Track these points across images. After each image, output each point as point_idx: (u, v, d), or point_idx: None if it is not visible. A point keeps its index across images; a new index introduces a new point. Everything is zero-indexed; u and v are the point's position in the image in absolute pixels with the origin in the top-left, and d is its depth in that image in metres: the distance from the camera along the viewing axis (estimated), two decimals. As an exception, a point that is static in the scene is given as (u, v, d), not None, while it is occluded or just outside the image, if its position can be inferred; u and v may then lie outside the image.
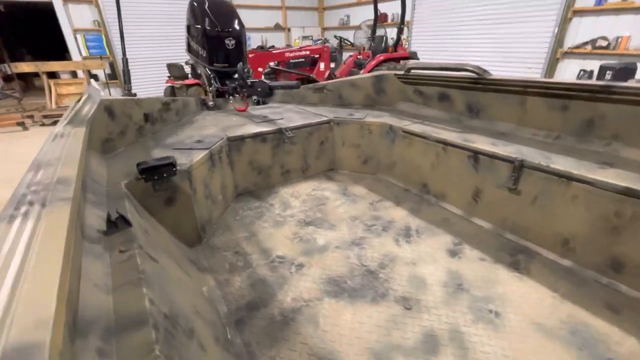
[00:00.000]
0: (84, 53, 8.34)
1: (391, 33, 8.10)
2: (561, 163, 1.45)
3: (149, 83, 8.98)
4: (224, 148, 1.98)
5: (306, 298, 1.32)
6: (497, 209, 1.70)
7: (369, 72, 6.94)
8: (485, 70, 1.95)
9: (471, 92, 2.11)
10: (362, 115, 2.45)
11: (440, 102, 2.34)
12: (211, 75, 2.86)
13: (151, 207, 1.46)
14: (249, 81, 2.47)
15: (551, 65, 7.09)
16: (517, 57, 7.52)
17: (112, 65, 8.72)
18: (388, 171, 2.36)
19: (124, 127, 1.83)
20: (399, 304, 1.28)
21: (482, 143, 1.75)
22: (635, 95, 1.42)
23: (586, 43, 6.60)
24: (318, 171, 2.48)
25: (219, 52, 2.76)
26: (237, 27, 2.80)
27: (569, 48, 6.80)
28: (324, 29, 12.68)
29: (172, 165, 1.45)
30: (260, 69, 6.18)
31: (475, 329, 1.17)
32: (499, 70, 7.22)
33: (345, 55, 7.91)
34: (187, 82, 7.92)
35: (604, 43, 6.35)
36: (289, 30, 11.76)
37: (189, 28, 2.86)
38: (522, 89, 1.80)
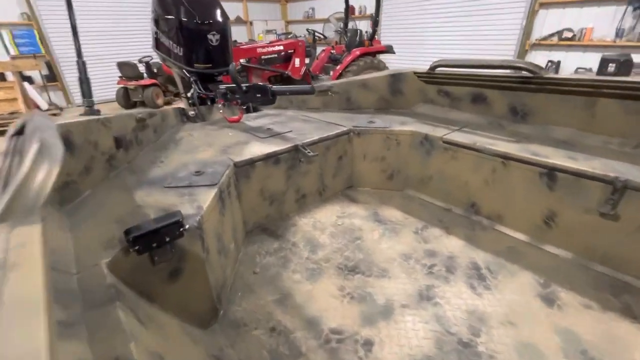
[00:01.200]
0: (13, 52, 7.09)
1: (359, 26, 7.79)
2: None
3: (96, 85, 7.86)
4: (232, 178, 1.50)
5: (399, 404, 0.93)
6: (581, 236, 1.42)
7: (346, 67, 6.59)
8: (541, 68, 1.65)
9: (516, 92, 1.81)
10: (382, 121, 2.07)
11: (474, 105, 2.03)
12: (191, 79, 2.30)
13: (148, 287, 0.97)
14: (244, 85, 1.97)
15: (520, 57, 7.21)
16: (486, 49, 7.58)
17: (49, 65, 7.53)
18: (420, 187, 2.01)
19: (88, 161, 1.29)
20: None
21: (557, 157, 1.44)
22: None
23: (552, 35, 6.75)
24: (336, 191, 2.07)
25: (200, 50, 2.22)
26: (219, 18, 2.27)
27: (536, 40, 6.93)
28: (288, 22, 12.09)
29: (179, 224, 0.97)
30: (230, 67, 5.56)
31: None
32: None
33: (318, 50, 7.46)
34: (142, 82, 7.04)
35: (569, 34, 6.53)
36: (251, 23, 11.04)
37: (157, 21, 2.28)
38: (592, 89, 1.53)
